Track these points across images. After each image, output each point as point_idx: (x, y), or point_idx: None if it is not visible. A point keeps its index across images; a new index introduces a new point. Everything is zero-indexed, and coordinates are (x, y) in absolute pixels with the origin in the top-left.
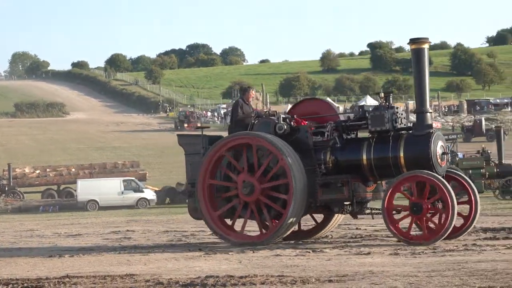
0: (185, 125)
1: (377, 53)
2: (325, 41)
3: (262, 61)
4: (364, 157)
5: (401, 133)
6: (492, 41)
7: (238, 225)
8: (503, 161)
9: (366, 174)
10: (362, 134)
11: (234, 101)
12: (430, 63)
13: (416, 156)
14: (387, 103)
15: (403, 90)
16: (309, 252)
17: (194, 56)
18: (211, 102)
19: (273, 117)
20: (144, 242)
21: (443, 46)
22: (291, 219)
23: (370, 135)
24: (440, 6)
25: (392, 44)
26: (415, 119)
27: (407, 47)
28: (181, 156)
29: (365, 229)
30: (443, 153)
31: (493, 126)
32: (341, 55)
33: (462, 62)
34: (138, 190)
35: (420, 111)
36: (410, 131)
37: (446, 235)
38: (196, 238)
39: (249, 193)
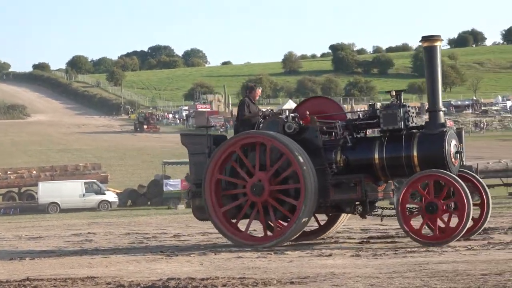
0: (145, 126)
1: (339, 55)
2: (287, 43)
3: (224, 63)
4: (376, 156)
5: (414, 132)
6: (453, 43)
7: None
8: (464, 163)
9: (377, 174)
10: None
11: (241, 100)
12: (391, 65)
13: (430, 155)
14: (399, 101)
15: (365, 92)
16: (271, 254)
17: (156, 58)
18: (173, 104)
19: (281, 116)
20: (106, 245)
21: (404, 48)
22: (303, 219)
23: (381, 134)
24: (402, 8)
25: (354, 46)
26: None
27: (369, 49)
28: (141, 158)
29: None
30: (457, 152)
31: (455, 127)
32: (303, 57)
33: (423, 64)
34: (99, 192)
35: (433, 109)
36: (422, 130)
37: (461, 235)
38: (157, 240)
39: (259, 193)
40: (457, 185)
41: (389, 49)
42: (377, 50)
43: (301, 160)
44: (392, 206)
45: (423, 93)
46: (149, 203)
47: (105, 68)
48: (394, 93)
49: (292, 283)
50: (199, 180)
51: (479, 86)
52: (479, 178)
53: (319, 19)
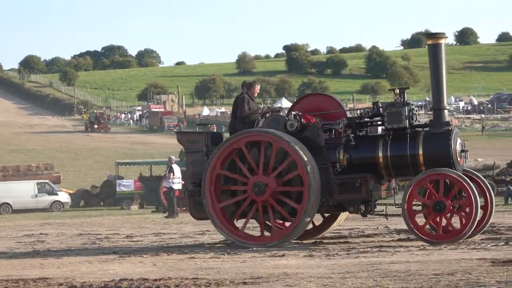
0: (95, 126)
1: (293, 55)
2: (241, 44)
3: (178, 63)
4: (380, 155)
5: (419, 131)
6: (406, 44)
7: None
8: None
9: (381, 173)
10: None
11: (239, 96)
12: (345, 66)
13: (436, 154)
14: (403, 99)
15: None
16: (224, 254)
17: (110, 58)
18: (127, 104)
19: (282, 114)
20: (58, 246)
21: (358, 48)
22: (307, 219)
23: (385, 133)
24: (355, 9)
25: (308, 47)
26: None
27: (323, 50)
28: (94, 159)
29: None
30: (462, 151)
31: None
32: (257, 57)
33: (377, 64)
34: (52, 193)
35: (438, 107)
36: (427, 128)
37: (469, 234)
38: (110, 241)
39: (260, 193)
40: (466, 185)
41: (343, 50)
42: (330, 50)
43: (305, 159)
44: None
45: (377, 94)
46: (102, 203)
47: (58, 68)
48: (398, 91)
49: (245, 283)
50: (197, 179)
51: None
52: (483, 178)
53: (272, 19)
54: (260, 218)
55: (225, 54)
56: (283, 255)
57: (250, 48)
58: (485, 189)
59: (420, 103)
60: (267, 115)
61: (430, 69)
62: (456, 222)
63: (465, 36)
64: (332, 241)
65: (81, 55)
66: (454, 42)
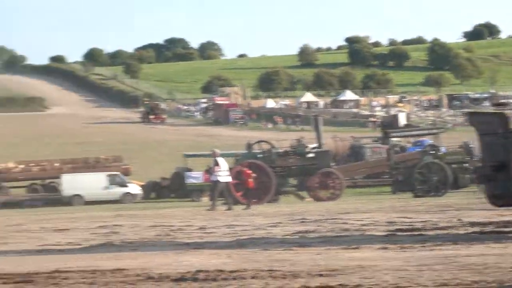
0: (151, 116)
1: (355, 47)
2: (301, 36)
3: (240, 56)
4: None
5: None
6: (468, 35)
7: None
8: None
9: None
10: None
11: None
12: (407, 58)
13: None
14: None
15: (382, 85)
16: (297, 247)
17: (172, 50)
18: (191, 96)
19: None
20: (132, 237)
21: (419, 41)
22: None
23: None
24: (417, 0)
25: (369, 39)
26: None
27: (384, 42)
28: (159, 151)
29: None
30: None
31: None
32: (319, 49)
33: (439, 56)
34: (123, 184)
35: None
36: None
37: None
38: (184, 233)
39: None
40: None
41: (404, 42)
42: (392, 42)
43: None
44: None
45: (440, 86)
46: (172, 195)
47: (121, 60)
48: None
49: (321, 275)
50: (494, 162)
51: (497, 79)
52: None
53: (332, 12)
54: None
55: (286, 47)
56: (357, 248)
57: (310, 41)
58: None
59: (485, 95)
60: None
61: None
62: None
63: None
64: (405, 233)
65: (143, 47)
66: None
